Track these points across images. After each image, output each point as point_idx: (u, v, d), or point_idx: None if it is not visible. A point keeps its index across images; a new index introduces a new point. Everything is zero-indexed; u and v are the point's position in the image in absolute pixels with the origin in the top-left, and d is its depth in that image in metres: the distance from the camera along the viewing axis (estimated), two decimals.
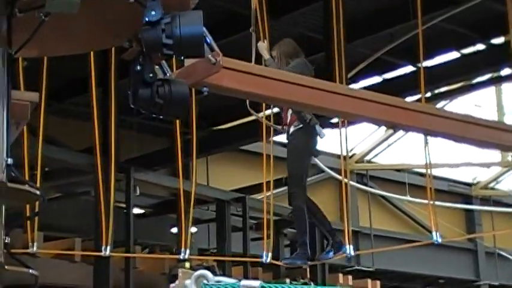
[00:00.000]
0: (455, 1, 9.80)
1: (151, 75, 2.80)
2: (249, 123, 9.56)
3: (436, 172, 14.11)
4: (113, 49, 6.39)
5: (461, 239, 15.82)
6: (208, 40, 3.10)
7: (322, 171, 13.47)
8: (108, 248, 7.19)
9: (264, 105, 6.87)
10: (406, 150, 15.32)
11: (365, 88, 10.46)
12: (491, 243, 16.07)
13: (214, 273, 2.57)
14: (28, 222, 6.94)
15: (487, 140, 4.79)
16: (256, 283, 2.35)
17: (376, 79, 11.46)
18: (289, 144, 6.48)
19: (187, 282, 2.47)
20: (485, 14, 10.22)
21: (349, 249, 7.20)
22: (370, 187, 15.13)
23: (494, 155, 15.95)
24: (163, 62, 2.95)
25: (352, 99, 4.08)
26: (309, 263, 6.96)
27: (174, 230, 11.32)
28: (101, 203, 7.37)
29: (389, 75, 11.42)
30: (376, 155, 15.63)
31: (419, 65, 7.40)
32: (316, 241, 11.17)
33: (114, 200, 7.56)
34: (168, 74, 2.96)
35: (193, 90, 4.37)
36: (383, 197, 15.58)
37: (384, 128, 14.09)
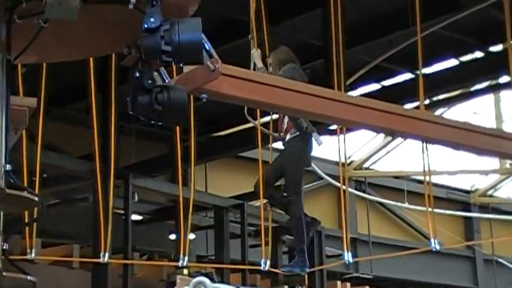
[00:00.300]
0: (454, 8, 9.82)
1: (150, 81, 2.80)
2: (247, 130, 9.56)
3: (434, 179, 14.10)
4: (113, 55, 6.40)
5: (460, 246, 15.80)
6: (207, 47, 3.11)
7: (321, 178, 13.47)
8: (107, 254, 7.19)
9: (259, 112, 6.87)
10: (404, 157, 15.32)
11: (363, 95, 10.47)
12: (489, 250, 16.06)
13: (213, 280, 2.56)
14: (26, 228, 6.94)
15: (486, 147, 4.79)
16: None
17: (374, 86, 11.46)
18: (285, 151, 6.48)
19: None
20: (484, 22, 10.24)
21: (348, 256, 7.20)
22: (369, 194, 15.13)
23: (493, 163, 15.96)
24: (162, 68, 2.96)
25: (351, 106, 4.09)
26: (308, 270, 6.94)
27: (173, 236, 11.30)
28: (100, 209, 7.37)
29: (387, 82, 11.43)
30: (375, 162, 15.63)
31: (418, 72, 7.41)
32: (314, 248, 11.19)
33: (112, 206, 7.56)
34: (167, 81, 2.97)
35: (191, 96, 4.37)
36: (381, 204, 15.57)
37: (382, 135, 14.09)
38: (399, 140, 14.45)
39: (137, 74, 2.80)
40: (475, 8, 9.62)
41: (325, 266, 11.15)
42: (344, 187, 8.12)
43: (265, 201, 7.21)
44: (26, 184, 5.25)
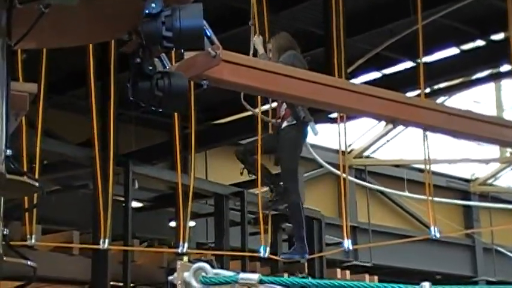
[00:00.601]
0: None
1: (150, 67, 2.80)
2: (248, 118, 9.55)
3: (434, 168, 14.11)
4: (113, 42, 6.38)
5: (459, 234, 15.84)
6: (208, 33, 3.10)
7: (321, 166, 13.47)
8: (107, 241, 7.20)
9: (259, 99, 6.85)
10: (404, 145, 15.32)
11: (364, 83, 10.45)
12: (489, 239, 16.09)
13: (213, 267, 2.56)
14: (26, 214, 6.94)
15: (486, 135, 4.79)
16: (255, 276, 2.35)
17: (375, 74, 11.44)
18: (280, 139, 6.46)
19: (186, 274, 2.47)
20: (485, 10, 10.21)
21: (347, 244, 7.21)
22: (369, 182, 15.14)
23: (493, 151, 15.97)
24: (163, 54, 2.95)
25: (352, 94, 4.08)
26: (307, 257, 6.96)
27: (173, 223, 11.32)
28: (100, 196, 7.38)
29: (388, 71, 11.41)
30: (375, 150, 15.63)
31: (419, 60, 7.40)
32: (313, 235, 11.21)
33: (112, 193, 7.56)
34: (167, 67, 2.96)
35: (192, 83, 4.36)
36: (381, 192, 15.59)
37: (382, 123, 14.08)
38: (399, 128, 14.44)
39: (138, 60, 2.79)
40: None
41: (325, 253, 11.18)
42: (344, 175, 8.13)
43: (264, 189, 7.21)
44: (26, 170, 5.25)
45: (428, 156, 7.35)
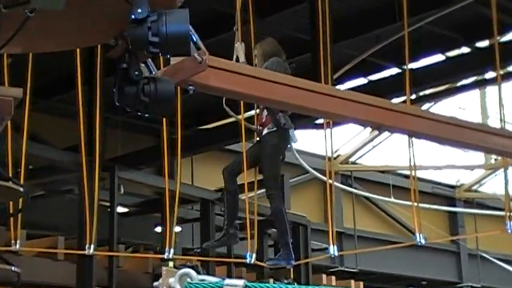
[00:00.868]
0: (441, 4, 9.84)
1: (137, 73, 2.80)
2: (234, 123, 9.56)
3: (420, 174, 14.16)
4: (99, 46, 6.37)
5: (445, 240, 15.89)
6: (194, 38, 3.10)
7: (307, 172, 13.49)
8: (92, 246, 7.17)
9: (242, 105, 6.85)
10: (390, 152, 15.37)
11: (350, 89, 10.48)
12: (474, 245, 16.16)
13: (198, 273, 2.56)
14: (11, 219, 6.90)
15: (471, 142, 4.81)
16: (240, 282, 2.35)
17: (361, 80, 11.48)
18: (262, 146, 6.47)
19: (171, 280, 2.46)
20: (471, 17, 10.27)
21: (333, 250, 7.22)
22: (355, 188, 15.17)
23: (478, 158, 16.05)
24: (149, 60, 2.95)
25: (338, 100, 4.08)
26: (293, 263, 6.95)
27: (158, 229, 11.29)
28: (85, 201, 7.35)
29: (374, 77, 11.45)
30: (361, 156, 15.67)
31: (405, 67, 7.43)
32: (299, 241, 11.21)
33: (98, 198, 7.53)
34: (154, 72, 2.96)
35: (179, 88, 4.36)
36: (367, 198, 15.62)
37: (368, 129, 14.13)
38: (385, 134, 14.50)
39: (124, 65, 2.79)
40: (462, 3, 9.65)
41: (311, 259, 11.19)
42: (330, 181, 8.13)
43: (250, 194, 7.21)
44: (10, 175, 5.22)
45: (414, 163, 7.38)
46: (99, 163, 7.94)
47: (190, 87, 3.59)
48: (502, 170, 8.47)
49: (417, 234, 7.18)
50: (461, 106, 15.52)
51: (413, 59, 9.64)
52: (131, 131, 12.09)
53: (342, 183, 14.75)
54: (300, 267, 10.87)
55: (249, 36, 6.67)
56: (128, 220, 11.92)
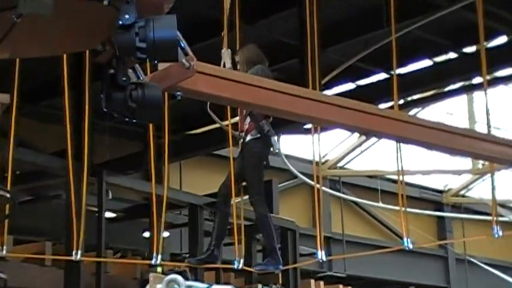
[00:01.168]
0: (428, 10, 9.88)
1: (124, 78, 2.79)
2: (222, 129, 9.56)
3: (408, 179, 14.20)
4: (87, 52, 6.35)
5: (432, 245, 15.92)
6: (182, 44, 3.10)
7: (295, 176, 13.50)
8: (79, 252, 7.13)
9: (228, 110, 6.86)
10: (378, 156, 15.40)
11: (338, 95, 10.50)
12: (461, 250, 16.20)
13: (186, 278, 2.56)
14: None
15: (459, 147, 4.83)
16: (229, 287, 2.35)
17: (349, 86, 11.50)
18: (245, 153, 6.48)
19: (159, 286, 2.46)
20: (458, 23, 10.32)
21: (321, 255, 7.22)
22: (343, 193, 15.19)
23: (466, 163, 16.11)
24: (137, 65, 2.95)
25: (326, 105, 4.10)
26: (281, 268, 6.95)
27: (146, 234, 11.26)
28: (73, 206, 7.31)
29: (362, 82, 11.47)
30: (349, 161, 15.70)
31: (393, 72, 7.45)
32: (288, 246, 11.21)
33: (85, 203, 7.50)
34: (141, 78, 2.96)
35: (166, 94, 4.36)
36: (355, 203, 15.64)
37: (356, 134, 14.15)
38: (373, 139, 14.53)
39: (112, 71, 2.79)
40: (449, 9, 9.70)
41: (299, 264, 11.18)
42: (318, 186, 8.14)
43: (237, 199, 7.21)
44: None
45: (402, 167, 7.40)
46: (87, 168, 7.91)
47: (178, 92, 3.59)
48: (489, 175, 8.51)
49: (405, 239, 7.19)
50: (449, 111, 15.58)
51: (401, 64, 9.68)
52: (119, 136, 12.06)
53: (330, 188, 14.76)
54: (288, 272, 10.86)
55: (235, 42, 6.68)
56: (115, 225, 11.88)
